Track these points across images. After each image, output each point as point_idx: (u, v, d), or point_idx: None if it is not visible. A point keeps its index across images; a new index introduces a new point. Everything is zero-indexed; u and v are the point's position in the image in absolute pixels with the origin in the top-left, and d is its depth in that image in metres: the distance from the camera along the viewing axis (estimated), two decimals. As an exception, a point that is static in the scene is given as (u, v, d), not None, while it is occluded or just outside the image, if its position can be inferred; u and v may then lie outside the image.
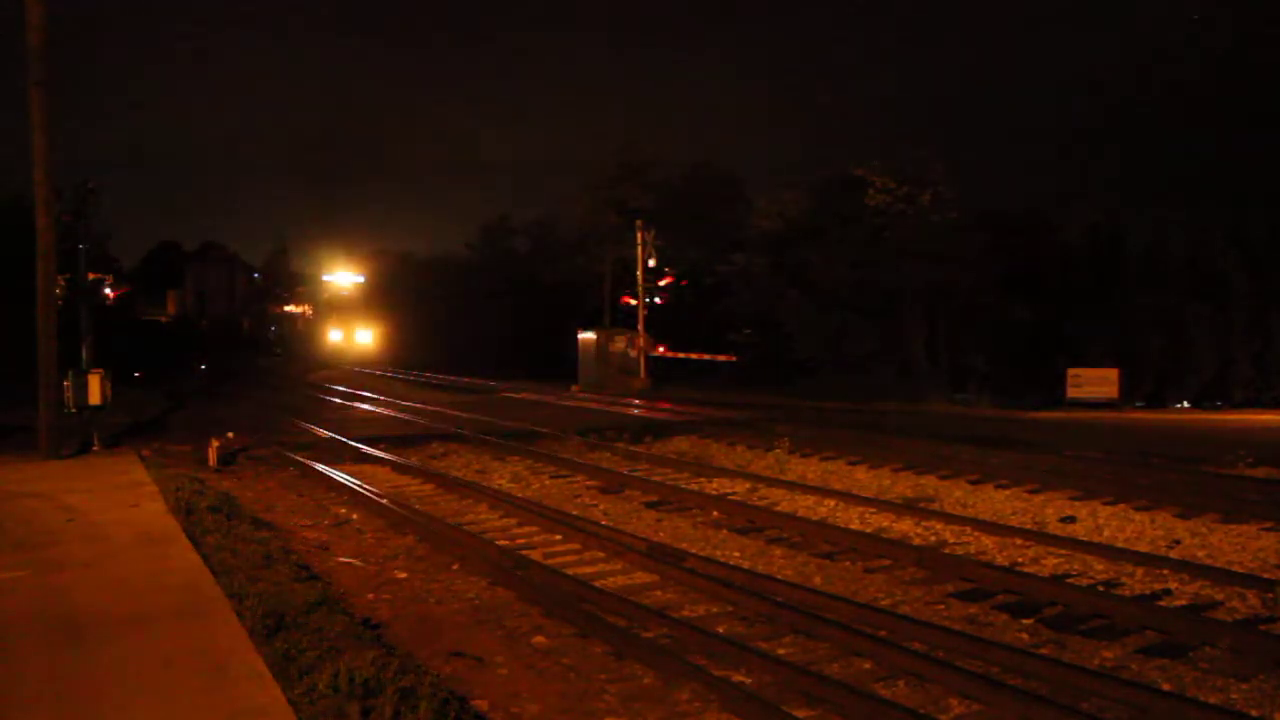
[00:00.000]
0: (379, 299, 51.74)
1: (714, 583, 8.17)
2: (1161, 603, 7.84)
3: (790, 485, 13.17)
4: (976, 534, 10.25)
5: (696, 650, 6.63)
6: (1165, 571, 8.62)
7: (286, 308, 67.05)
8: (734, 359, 34.24)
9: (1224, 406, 27.52)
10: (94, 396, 15.58)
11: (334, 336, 50.78)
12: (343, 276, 53.55)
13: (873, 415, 22.60)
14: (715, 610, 7.66)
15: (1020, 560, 9.23)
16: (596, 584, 8.24)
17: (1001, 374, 29.44)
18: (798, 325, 32.71)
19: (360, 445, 16.82)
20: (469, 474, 14.60)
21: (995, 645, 6.62)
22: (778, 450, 16.15)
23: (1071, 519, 10.97)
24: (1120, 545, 9.64)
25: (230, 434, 16.10)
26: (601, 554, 9.46)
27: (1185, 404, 28.50)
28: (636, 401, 26.50)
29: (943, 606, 7.89)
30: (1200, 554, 9.37)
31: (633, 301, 36.82)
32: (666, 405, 24.73)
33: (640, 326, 33.09)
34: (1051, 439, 16.86)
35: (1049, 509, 11.48)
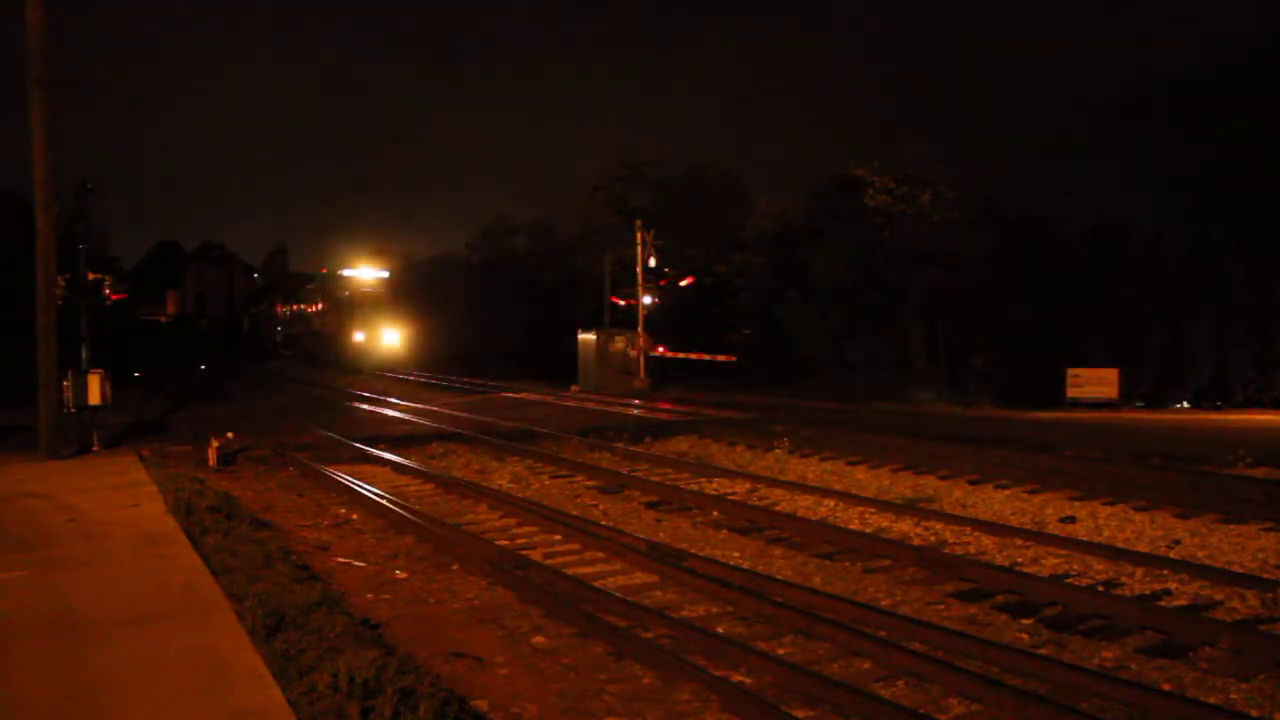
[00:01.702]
0: (401, 298, 47.89)
1: (714, 583, 8.17)
2: (1161, 603, 7.84)
3: (790, 485, 13.17)
4: (976, 534, 10.25)
5: (696, 650, 6.63)
6: (1165, 571, 8.63)
7: (299, 306, 61.53)
8: (734, 359, 34.22)
9: (1224, 406, 27.50)
10: (94, 396, 15.57)
11: (357, 337, 45.51)
12: (365, 271, 47.80)
13: (872, 415, 22.60)
14: (715, 610, 7.66)
15: (1020, 560, 9.23)
16: (596, 584, 8.24)
17: (1001, 374, 29.40)
18: (798, 325, 32.70)
19: (359, 445, 16.81)
20: (469, 474, 14.60)
21: (995, 645, 6.62)
22: (777, 450, 16.15)
23: (1071, 519, 10.97)
24: (1120, 545, 9.65)
25: (230, 434, 16.09)
26: (601, 554, 9.47)
27: (1185, 404, 28.48)
28: (636, 401, 26.49)
29: (943, 606, 7.89)
30: (1200, 554, 9.37)
31: (631, 301, 36.73)
32: (666, 405, 24.72)
33: (640, 327, 33.05)
34: (1051, 439, 16.84)
35: (1049, 509, 11.48)
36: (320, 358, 48.14)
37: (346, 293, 46.89)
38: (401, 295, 47.43)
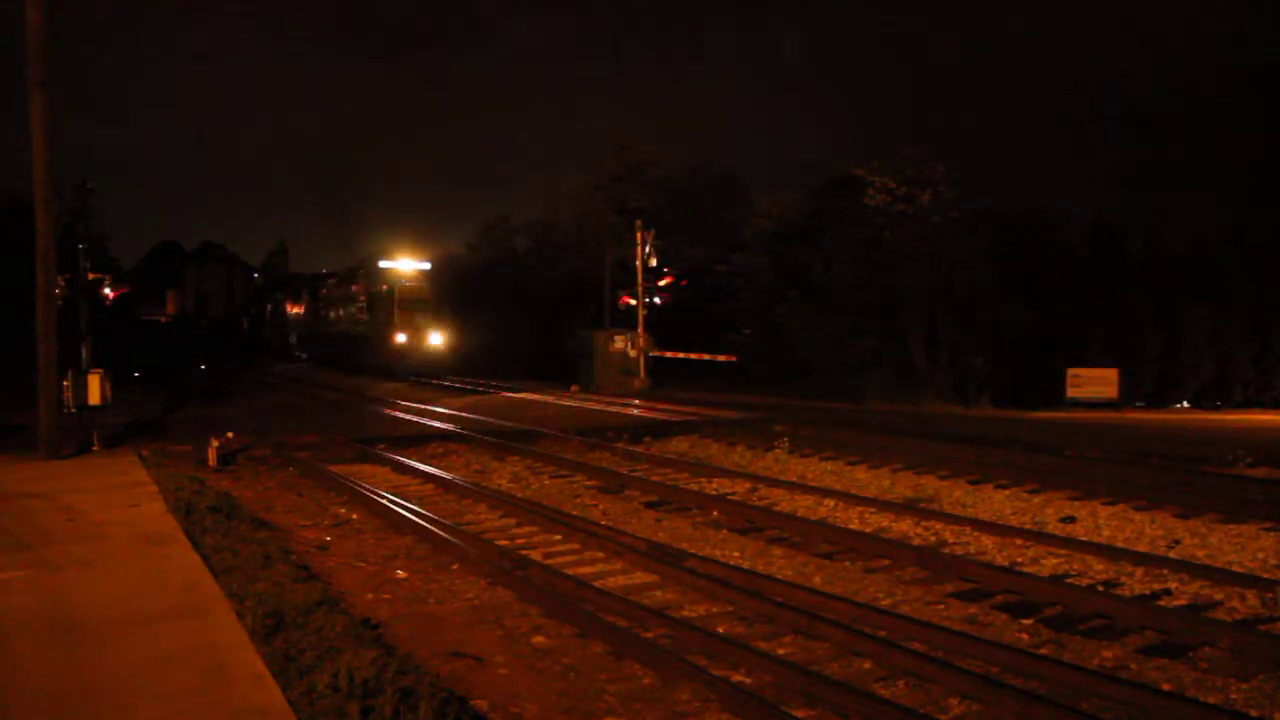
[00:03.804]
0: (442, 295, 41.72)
1: (714, 582, 8.17)
2: (1161, 603, 7.84)
3: (790, 485, 13.17)
4: (976, 534, 10.25)
5: (696, 650, 6.63)
6: (1165, 571, 8.63)
7: (316, 304, 51.97)
8: (734, 359, 34.22)
9: (1224, 406, 27.53)
10: (94, 396, 15.56)
11: (400, 339, 39.26)
12: (406, 263, 41.62)
13: (872, 416, 22.60)
14: (715, 610, 7.66)
15: (1020, 560, 9.24)
16: (596, 584, 8.24)
17: (1001, 374, 29.42)
18: (798, 325, 32.69)
19: (359, 445, 16.82)
20: (469, 474, 14.59)
21: (995, 645, 6.62)
22: (777, 450, 16.15)
23: (1071, 519, 10.97)
24: (1120, 545, 9.65)
25: (230, 434, 16.08)
26: (601, 554, 9.47)
27: (1185, 404, 28.51)
28: (636, 401, 26.49)
29: (942, 606, 7.89)
30: (1200, 554, 9.37)
31: (631, 301, 36.62)
32: (666, 405, 24.71)
33: (640, 327, 33.04)
34: (1051, 439, 16.85)
35: (1049, 509, 11.48)
36: (347, 361, 42.81)
37: (385, 287, 40.89)
38: (443, 292, 41.96)
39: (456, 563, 9.18)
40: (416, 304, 39.91)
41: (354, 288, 45.55)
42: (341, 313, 47.18)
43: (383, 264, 41.94)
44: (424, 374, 36.59)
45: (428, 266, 42.32)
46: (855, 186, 33.08)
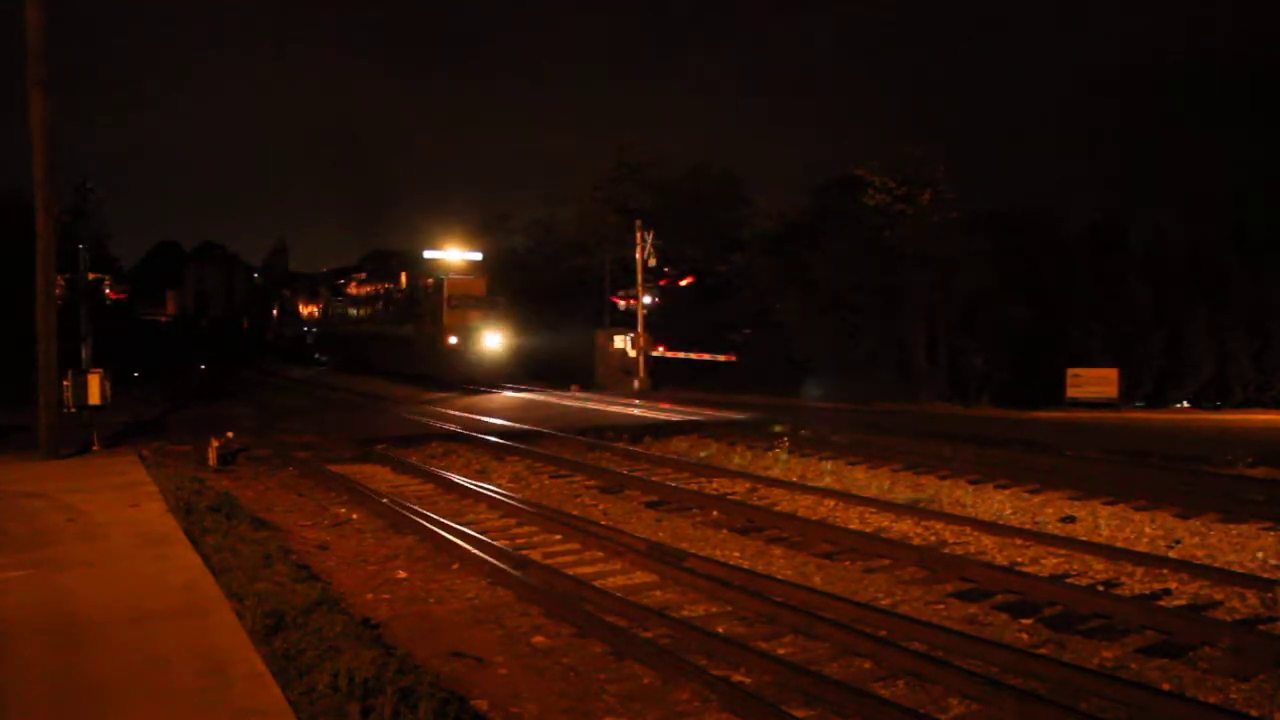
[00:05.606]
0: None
1: (713, 582, 8.17)
2: (1161, 602, 7.84)
3: (790, 485, 13.16)
4: (976, 534, 10.25)
5: (696, 650, 6.63)
6: (1165, 571, 8.63)
7: (337, 301, 46.96)
8: (734, 359, 34.23)
9: (1224, 406, 27.53)
10: (93, 396, 15.57)
11: (450, 340, 34.46)
12: (454, 254, 36.77)
13: (872, 415, 22.60)
14: (715, 610, 7.67)
15: (1020, 560, 9.24)
16: (596, 584, 8.24)
17: (1001, 374, 29.44)
18: (798, 325, 32.71)
19: (359, 445, 16.82)
20: (469, 474, 14.59)
21: (995, 645, 6.62)
22: (777, 450, 16.15)
23: (1071, 519, 10.97)
24: (1120, 545, 9.65)
25: (230, 434, 16.09)
26: (601, 554, 9.47)
27: (1185, 404, 28.51)
28: (636, 401, 26.49)
29: (942, 606, 7.89)
30: (1200, 554, 9.37)
31: (631, 301, 36.49)
32: (666, 405, 24.71)
33: (640, 327, 33.04)
34: (1051, 439, 16.85)
35: (1048, 509, 11.48)
36: (378, 366, 38.55)
37: (430, 281, 36.13)
38: (498, 286, 37.25)
39: (456, 563, 9.18)
40: (469, 300, 35.42)
41: (385, 285, 41.87)
42: (369, 311, 43.25)
43: (428, 254, 37.62)
44: (490, 382, 32.74)
45: (479, 257, 38.03)
46: (855, 186, 33.09)
